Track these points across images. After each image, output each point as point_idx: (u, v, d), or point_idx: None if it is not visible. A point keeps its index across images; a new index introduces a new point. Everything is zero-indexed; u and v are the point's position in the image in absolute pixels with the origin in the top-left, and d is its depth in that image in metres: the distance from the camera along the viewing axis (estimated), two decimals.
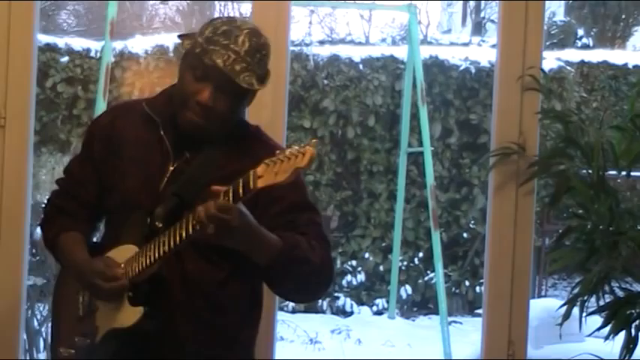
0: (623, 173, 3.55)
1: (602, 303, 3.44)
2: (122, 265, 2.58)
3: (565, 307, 3.47)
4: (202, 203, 2.38)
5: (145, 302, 2.56)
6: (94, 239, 2.90)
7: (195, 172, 2.62)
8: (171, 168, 2.66)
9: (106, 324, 2.63)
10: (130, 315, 2.56)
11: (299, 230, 2.61)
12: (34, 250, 4.41)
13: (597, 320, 3.51)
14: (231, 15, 14.07)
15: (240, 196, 2.32)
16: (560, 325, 3.45)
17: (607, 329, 3.41)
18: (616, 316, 3.39)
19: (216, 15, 14.37)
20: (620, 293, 3.44)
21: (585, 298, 3.43)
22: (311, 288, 2.73)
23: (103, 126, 2.83)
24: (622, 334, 3.40)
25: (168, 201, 2.60)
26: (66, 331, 2.78)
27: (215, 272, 2.61)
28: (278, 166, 2.24)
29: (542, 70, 3.85)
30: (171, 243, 2.45)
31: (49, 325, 2.97)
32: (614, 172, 3.61)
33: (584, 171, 3.60)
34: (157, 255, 2.49)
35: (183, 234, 2.41)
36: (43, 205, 2.97)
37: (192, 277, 2.61)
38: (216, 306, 2.66)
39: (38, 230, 5.13)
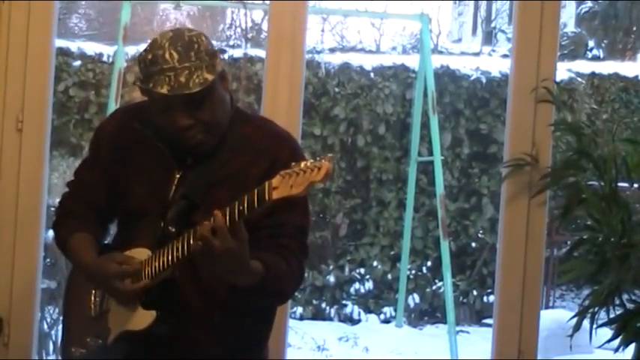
0: (635, 186, 3.57)
1: (612, 315, 3.45)
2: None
3: (575, 319, 3.48)
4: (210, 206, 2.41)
5: (158, 306, 2.58)
6: (106, 241, 2.91)
7: (201, 173, 2.64)
8: (178, 176, 2.67)
9: (118, 326, 2.65)
10: (142, 318, 2.58)
11: (282, 241, 2.60)
12: (44, 254, 4.43)
13: (607, 332, 3.52)
14: (242, 21, 14.08)
15: (255, 206, 2.31)
16: (571, 336, 3.46)
17: (617, 341, 3.42)
18: (626, 329, 3.40)
19: (228, 23, 14.35)
20: (631, 305, 3.45)
21: (596, 310, 3.44)
22: (269, 305, 2.78)
23: (109, 133, 2.83)
24: (632, 346, 3.41)
25: (178, 205, 2.62)
26: (77, 330, 2.78)
27: None
28: (294, 179, 2.23)
29: (556, 82, 3.86)
30: (185, 249, 2.46)
31: (59, 328, 2.99)
32: (625, 185, 3.62)
33: (596, 183, 3.61)
34: (171, 260, 2.50)
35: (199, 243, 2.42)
36: (55, 207, 2.98)
37: (205, 283, 2.61)
38: (228, 310, 2.66)
39: (49, 233, 5.15)
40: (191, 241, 2.43)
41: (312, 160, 2.24)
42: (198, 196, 2.61)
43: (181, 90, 2.50)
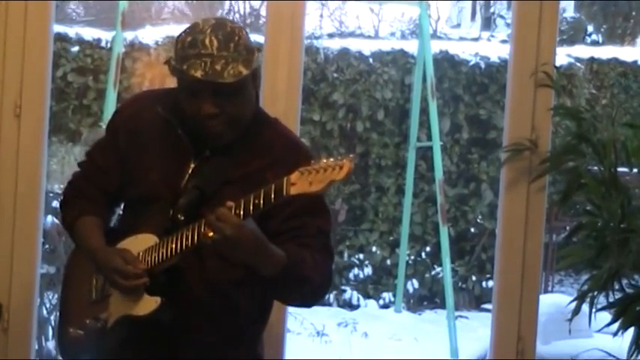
0: (635, 170, 3.56)
1: (611, 299, 3.45)
2: (140, 256, 2.59)
3: (574, 303, 3.49)
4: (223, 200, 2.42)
5: (161, 293, 2.57)
6: (111, 224, 2.92)
7: (216, 167, 2.64)
8: (193, 165, 2.66)
9: (119, 310, 2.64)
10: (145, 304, 2.57)
11: (305, 240, 2.60)
12: (43, 240, 4.45)
13: (606, 317, 3.52)
14: (240, 7, 14.08)
15: (271, 200, 2.32)
16: (570, 320, 3.46)
17: (616, 325, 3.43)
18: (625, 313, 3.40)
19: (226, 8, 14.33)
20: (630, 290, 3.45)
21: (595, 294, 3.44)
22: (304, 301, 2.78)
23: (128, 117, 2.83)
24: (631, 330, 3.41)
25: (190, 194, 2.62)
26: (77, 312, 2.78)
27: (233, 272, 2.60)
28: (313, 176, 2.24)
29: (556, 66, 3.85)
30: (194, 240, 2.46)
31: (58, 313, 2.99)
32: (625, 170, 3.62)
33: (595, 168, 3.61)
34: (178, 248, 2.50)
35: (209, 234, 2.41)
36: (58, 194, 2.98)
37: (210, 274, 2.62)
38: (230, 304, 2.68)
39: (49, 219, 5.16)
40: (201, 231, 2.43)
41: (332, 159, 2.25)
42: (211, 189, 2.60)
43: (215, 78, 2.51)
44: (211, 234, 2.38)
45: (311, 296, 2.69)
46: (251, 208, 2.37)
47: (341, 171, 2.22)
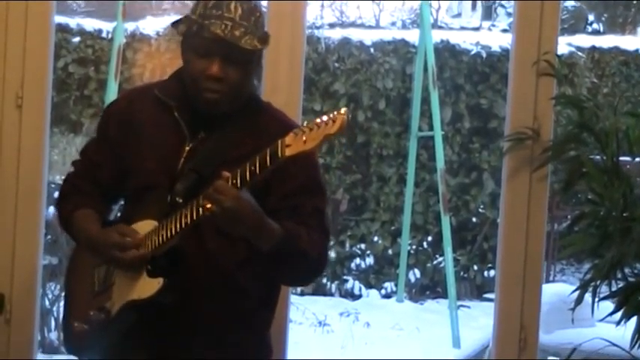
0: (637, 159, 3.56)
1: (614, 288, 3.45)
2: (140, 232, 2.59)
3: (577, 292, 3.48)
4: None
5: (164, 275, 2.57)
6: (110, 218, 2.91)
7: (212, 149, 2.65)
8: (187, 148, 2.67)
9: (122, 297, 2.63)
10: (148, 286, 2.56)
11: (302, 218, 2.61)
12: (45, 230, 4.46)
13: (609, 306, 3.52)
14: None
15: (267, 165, 2.32)
16: (573, 310, 3.46)
17: (619, 314, 3.42)
18: (628, 302, 3.39)
19: None
20: (633, 279, 3.45)
21: (597, 283, 3.44)
22: (301, 278, 2.80)
23: (119, 110, 2.85)
24: (634, 320, 3.41)
25: (187, 177, 2.62)
26: (80, 306, 2.78)
27: (235, 252, 2.61)
28: (307, 134, 2.25)
29: (558, 55, 3.85)
30: (193, 215, 2.46)
31: (61, 304, 2.98)
32: (627, 158, 3.61)
33: (597, 157, 3.60)
34: (178, 227, 2.50)
35: (207, 206, 2.42)
36: (59, 185, 2.98)
37: (212, 256, 2.62)
38: (234, 286, 2.67)
39: (51, 210, 5.17)
40: (199, 207, 2.43)
41: (325, 116, 2.26)
42: (208, 171, 2.60)
43: (234, 40, 2.55)
44: (209, 205, 2.39)
45: (307, 272, 2.71)
46: (248, 175, 2.36)
47: (334, 125, 2.22)
